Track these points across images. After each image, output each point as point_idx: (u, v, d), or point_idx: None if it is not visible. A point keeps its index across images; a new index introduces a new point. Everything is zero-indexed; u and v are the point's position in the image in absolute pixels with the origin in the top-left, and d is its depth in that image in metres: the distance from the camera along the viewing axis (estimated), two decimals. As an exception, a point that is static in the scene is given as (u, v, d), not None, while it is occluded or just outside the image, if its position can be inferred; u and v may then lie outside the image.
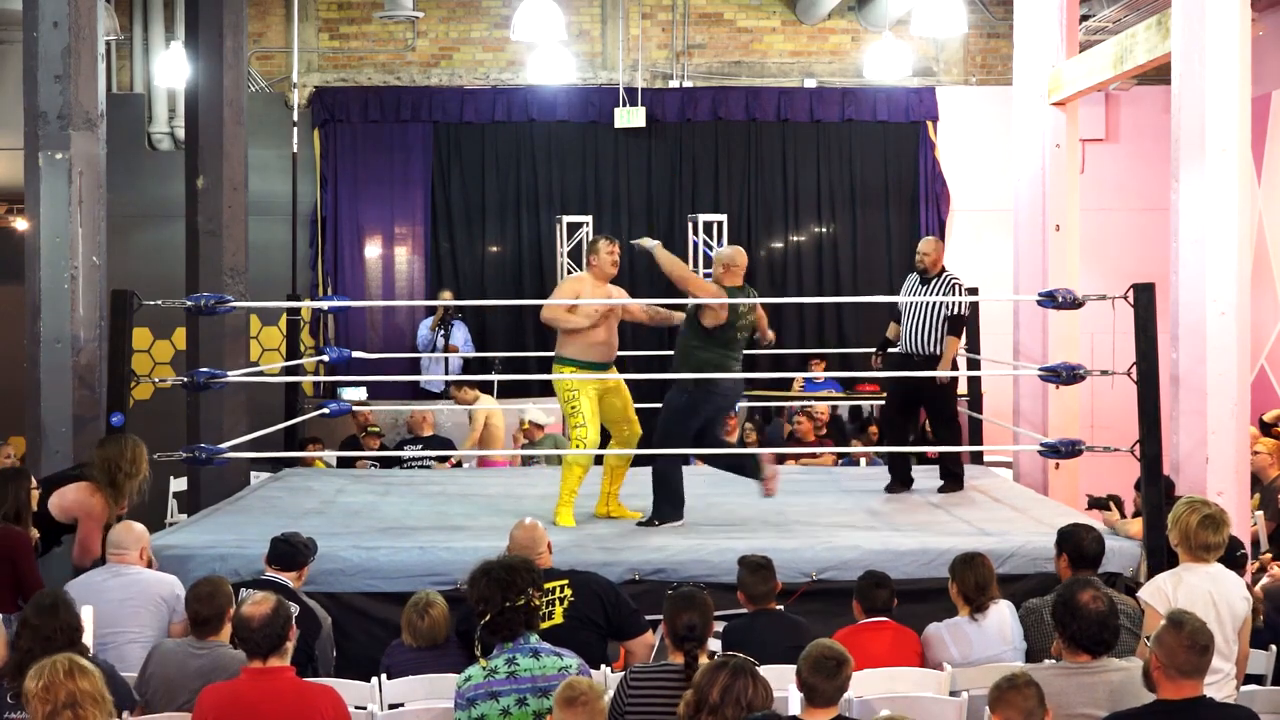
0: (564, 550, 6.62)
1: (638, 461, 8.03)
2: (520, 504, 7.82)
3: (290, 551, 6.11)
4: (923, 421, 9.61)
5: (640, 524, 7.72)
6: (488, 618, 4.85)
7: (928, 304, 8.59)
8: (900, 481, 8.95)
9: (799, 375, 13.34)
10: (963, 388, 11.52)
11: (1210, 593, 5.13)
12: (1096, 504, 7.78)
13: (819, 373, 12.94)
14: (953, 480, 8.85)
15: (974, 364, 10.26)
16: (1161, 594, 5.12)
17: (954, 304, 8.56)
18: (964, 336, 8.78)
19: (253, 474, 10.06)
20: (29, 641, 4.80)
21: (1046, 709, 4.47)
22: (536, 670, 4.74)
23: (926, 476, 9.11)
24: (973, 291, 10.61)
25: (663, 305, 8.30)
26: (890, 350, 9.09)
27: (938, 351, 8.63)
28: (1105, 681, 4.74)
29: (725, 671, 4.16)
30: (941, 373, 8.54)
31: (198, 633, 5.32)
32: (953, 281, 8.70)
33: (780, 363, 13.83)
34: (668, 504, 7.70)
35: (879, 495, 8.81)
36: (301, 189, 14.12)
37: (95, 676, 4.08)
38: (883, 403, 9.83)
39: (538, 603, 4.95)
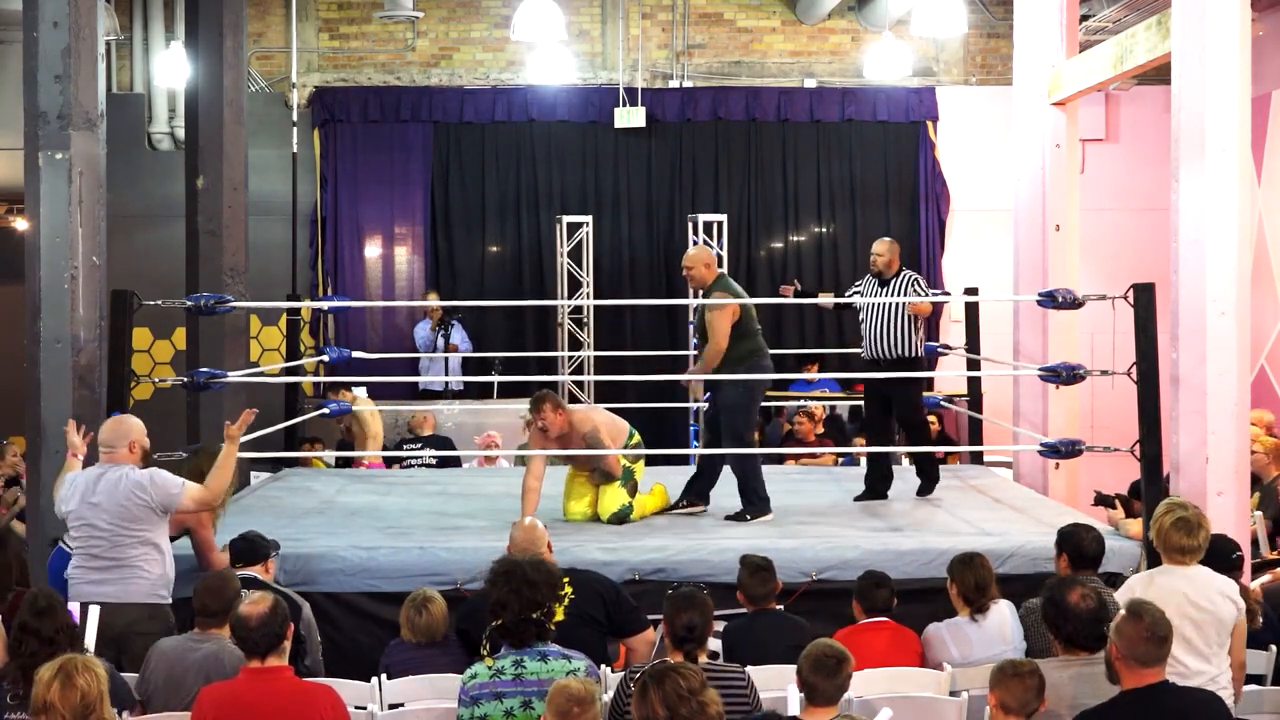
0: (564, 550, 6.63)
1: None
2: (519, 504, 7.82)
3: (249, 546, 6.15)
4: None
5: (729, 517, 7.86)
6: (501, 623, 4.85)
7: (890, 306, 8.40)
8: (872, 491, 8.66)
9: (795, 377, 13.33)
10: (961, 388, 11.56)
11: (1185, 594, 5.11)
12: (1103, 501, 7.77)
13: (813, 374, 12.95)
14: (928, 482, 8.70)
15: (974, 364, 10.26)
16: (1130, 593, 5.13)
17: (920, 297, 8.44)
18: (933, 309, 8.70)
19: (253, 474, 10.06)
20: (33, 645, 4.80)
21: (1044, 701, 4.51)
22: (544, 674, 4.73)
23: (907, 481, 8.92)
24: (973, 291, 10.67)
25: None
26: (858, 354, 8.91)
27: (904, 353, 8.44)
28: (1103, 673, 4.77)
29: (652, 686, 3.97)
30: (918, 374, 8.46)
31: (201, 624, 5.35)
32: (911, 279, 8.52)
33: (779, 363, 13.82)
34: (755, 499, 7.87)
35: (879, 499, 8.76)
36: (301, 189, 14.13)
37: (99, 674, 4.11)
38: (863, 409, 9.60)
39: (552, 626, 4.94)
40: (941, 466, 10.56)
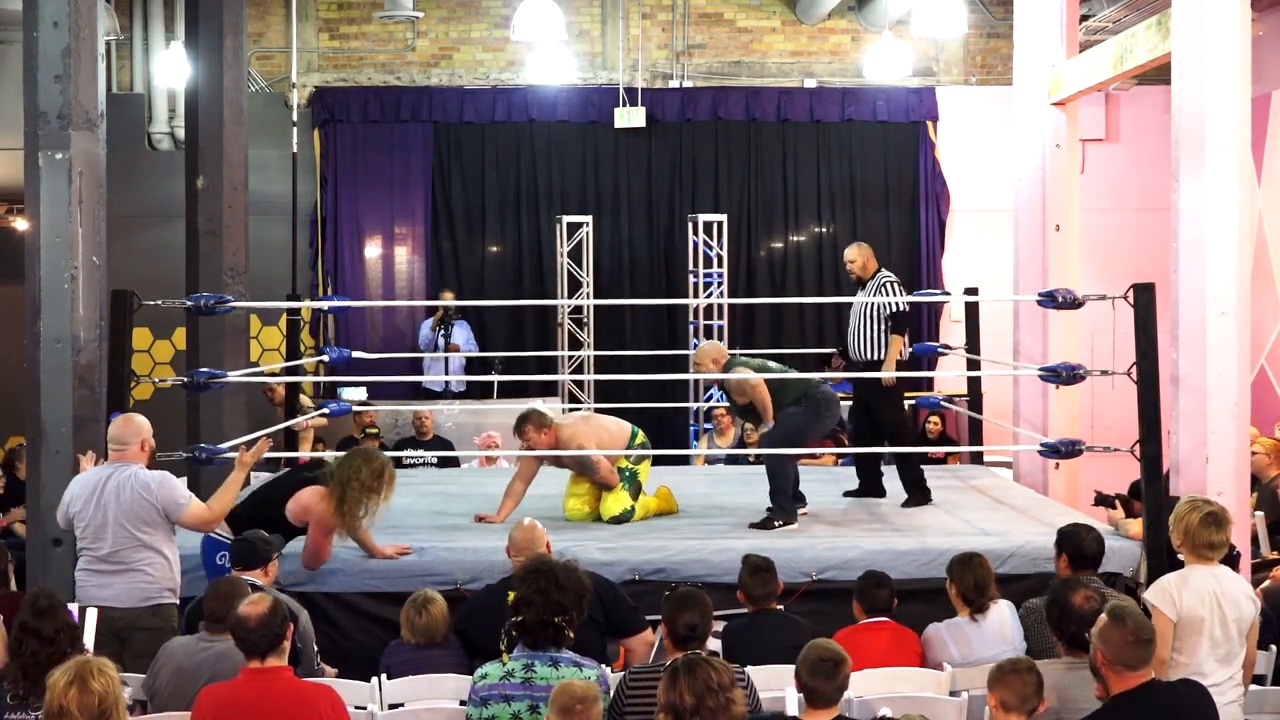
0: (564, 550, 6.62)
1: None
2: (520, 503, 7.83)
3: (248, 549, 6.06)
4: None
5: (753, 525, 7.66)
6: (521, 620, 4.85)
7: (863, 308, 8.40)
8: (867, 490, 8.67)
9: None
10: (961, 388, 11.56)
11: (1215, 593, 5.10)
12: (1103, 501, 7.77)
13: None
14: (917, 492, 8.39)
15: (974, 364, 10.26)
16: (1167, 595, 5.10)
17: (889, 303, 8.33)
18: (907, 334, 8.50)
19: (253, 474, 10.03)
20: (33, 645, 4.80)
21: (1043, 698, 4.50)
22: (553, 679, 4.72)
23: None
24: (973, 291, 10.65)
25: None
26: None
27: (873, 356, 8.41)
28: (1106, 675, 4.76)
29: (683, 674, 4.07)
30: (886, 374, 8.29)
31: (211, 628, 5.35)
32: (884, 280, 8.44)
33: (781, 363, 13.82)
34: (783, 504, 7.76)
35: (874, 497, 8.76)
36: (301, 189, 14.13)
37: (112, 677, 4.10)
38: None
39: (571, 635, 4.94)
40: (942, 466, 10.54)
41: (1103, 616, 4.55)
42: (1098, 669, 4.50)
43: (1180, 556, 5.35)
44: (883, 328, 8.39)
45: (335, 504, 6.49)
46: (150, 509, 5.94)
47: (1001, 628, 5.81)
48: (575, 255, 14.07)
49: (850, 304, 8.71)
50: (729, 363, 8.05)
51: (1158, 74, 9.77)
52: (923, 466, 8.64)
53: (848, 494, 8.72)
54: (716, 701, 3.99)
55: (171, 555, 6.07)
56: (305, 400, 11.37)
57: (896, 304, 8.34)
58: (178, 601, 6.09)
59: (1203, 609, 5.05)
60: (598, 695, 4.34)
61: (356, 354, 10.62)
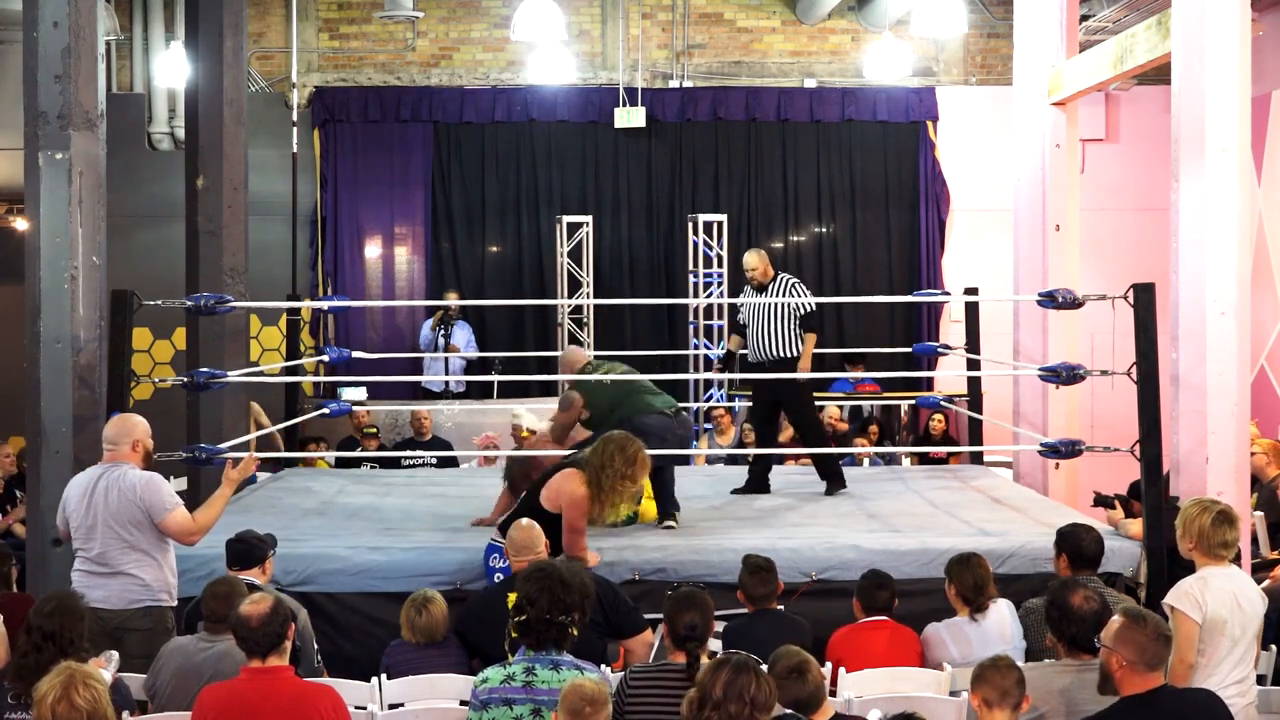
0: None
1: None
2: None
3: (244, 549, 6.03)
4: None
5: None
6: (524, 618, 4.85)
7: (771, 309, 8.58)
8: (755, 485, 8.86)
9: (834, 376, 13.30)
10: (961, 388, 11.55)
11: (1234, 593, 5.08)
12: (1102, 502, 7.77)
13: (859, 374, 12.96)
14: (834, 480, 8.80)
15: (974, 364, 10.26)
16: (1191, 598, 5.05)
17: (801, 303, 8.58)
18: (819, 332, 8.80)
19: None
20: (25, 645, 4.81)
21: (1026, 695, 4.48)
22: (554, 683, 4.72)
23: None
24: (973, 291, 10.66)
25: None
26: (743, 359, 9.12)
27: (786, 354, 8.62)
28: (1107, 676, 4.75)
29: (728, 668, 4.12)
30: (800, 375, 8.51)
31: (211, 628, 5.35)
32: (790, 283, 8.72)
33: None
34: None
35: (876, 496, 8.76)
36: (301, 189, 14.13)
37: (100, 690, 4.07)
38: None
39: (575, 631, 4.94)
40: (942, 466, 10.57)
41: (1118, 619, 4.51)
42: (1110, 672, 4.47)
43: (1192, 559, 5.29)
44: (793, 327, 8.62)
45: (593, 490, 6.41)
46: (136, 510, 5.89)
47: (1001, 627, 5.82)
48: (575, 255, 14.07)
49: (741, 310, 8.97)
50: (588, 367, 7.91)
51: (1158, 74, 9.77)
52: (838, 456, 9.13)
53: (735, 491, 8.79)
54: (740, 710, 4.01)
55: (162, 557, 6.00)
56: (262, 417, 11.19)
57: (808, 304, 8.63)
58: (174, 603, 6.06)
59: (1224, 610, 5.02)
60: (607, 697, 4.34)
61: (356, 354, 10.63)
